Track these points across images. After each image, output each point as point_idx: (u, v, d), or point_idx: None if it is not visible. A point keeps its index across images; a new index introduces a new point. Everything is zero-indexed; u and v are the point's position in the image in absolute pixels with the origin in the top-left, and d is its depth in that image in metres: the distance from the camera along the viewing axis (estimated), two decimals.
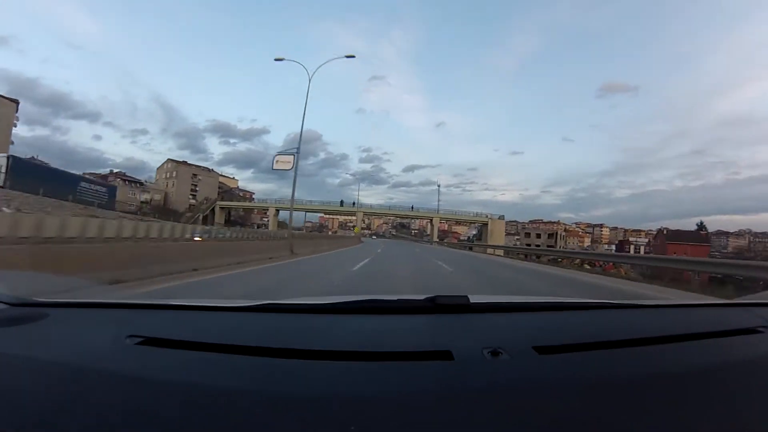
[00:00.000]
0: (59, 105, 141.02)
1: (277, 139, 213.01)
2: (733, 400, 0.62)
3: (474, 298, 0.98)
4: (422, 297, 0.97)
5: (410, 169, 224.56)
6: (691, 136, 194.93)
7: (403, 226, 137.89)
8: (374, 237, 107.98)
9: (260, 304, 0.96)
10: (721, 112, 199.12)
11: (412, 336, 0.84)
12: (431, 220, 60.56)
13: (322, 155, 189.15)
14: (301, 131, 15.42)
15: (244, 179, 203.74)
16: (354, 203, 60.96)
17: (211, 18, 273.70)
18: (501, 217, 62.35)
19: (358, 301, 1.00)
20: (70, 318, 0.95)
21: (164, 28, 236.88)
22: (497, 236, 57.23)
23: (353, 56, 17.93)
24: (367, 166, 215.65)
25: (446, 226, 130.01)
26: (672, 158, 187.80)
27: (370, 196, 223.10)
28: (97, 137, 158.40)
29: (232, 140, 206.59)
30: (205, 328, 0.88)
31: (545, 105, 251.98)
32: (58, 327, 0.88)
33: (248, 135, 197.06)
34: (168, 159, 71.06)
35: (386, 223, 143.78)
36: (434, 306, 0.94)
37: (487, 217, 61.02)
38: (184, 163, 70.14)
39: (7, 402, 0.57)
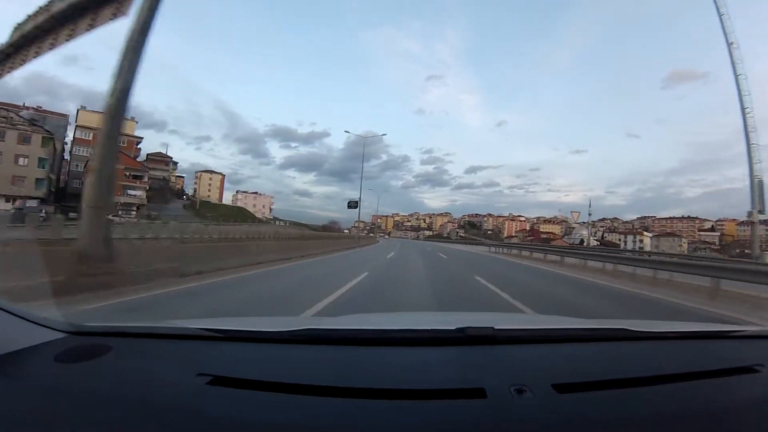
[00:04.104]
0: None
1: (337, 141, 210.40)
2: None
3: (499, 324, 1.08)
4: (453, 327, 1.03)
5: (473, 170, 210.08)
6: None
7: (472, 225, 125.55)
8: (386, 237, 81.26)
9: (310, 331, 1.04)
10: None
11: (445, 370, 0.90)
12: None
13: (383, 157, 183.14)
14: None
15: (306, 182, 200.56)
16: None
17: (269, 24, 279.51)
18: None
19: (394, 329, 1.14)
20: (133, 349, 0.97)
21: (223, 35, 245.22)
22: None
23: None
24: (429, 168, 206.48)
25: (526, 222, 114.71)
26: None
27: (434, 199, 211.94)
28: (164, 144, 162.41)
29: (293, 144, 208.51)
30: (266, 362, 0.94)
31: (608, 99, 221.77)
32: (123, 361, 0.89)
33: (309, 138, 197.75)
34: None
35: (452, 223, 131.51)
36: (464, 336, 1.00)
37: None
38: None
39: None
